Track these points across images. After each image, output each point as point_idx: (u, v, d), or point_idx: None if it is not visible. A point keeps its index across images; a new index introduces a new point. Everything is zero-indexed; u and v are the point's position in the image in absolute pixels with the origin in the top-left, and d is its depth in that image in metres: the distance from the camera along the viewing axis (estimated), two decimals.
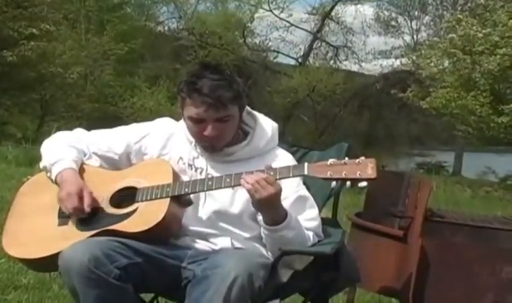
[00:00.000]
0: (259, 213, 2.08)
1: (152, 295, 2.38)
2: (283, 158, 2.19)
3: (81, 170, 2.19)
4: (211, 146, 2.13)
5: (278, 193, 1.97)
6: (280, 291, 2.09)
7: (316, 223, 2.14)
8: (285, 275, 2.09)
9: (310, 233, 2.11)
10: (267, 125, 2.22)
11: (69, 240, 1.97)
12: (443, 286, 2.77)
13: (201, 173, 2.14)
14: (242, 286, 1.84)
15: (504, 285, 2.75)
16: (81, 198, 2.06)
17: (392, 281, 2.87)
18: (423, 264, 2.74)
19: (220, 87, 2.04)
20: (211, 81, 2.04)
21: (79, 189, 2.08)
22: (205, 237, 2.10)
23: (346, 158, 1.95)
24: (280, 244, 2.01)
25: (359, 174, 1.90)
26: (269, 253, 2.10)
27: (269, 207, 1.99)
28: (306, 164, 1.98)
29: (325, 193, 2.31)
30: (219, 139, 2.10)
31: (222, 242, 2.09)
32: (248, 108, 2.21)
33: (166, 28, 25.14)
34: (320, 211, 2.30)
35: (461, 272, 2.79)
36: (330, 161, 1.94)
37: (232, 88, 2.07)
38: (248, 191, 1.95)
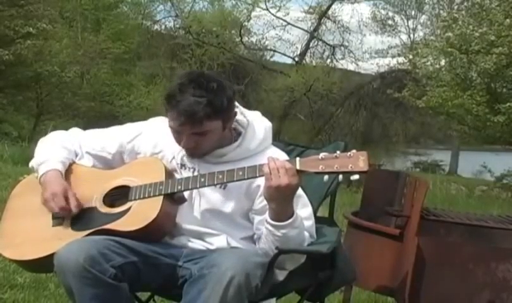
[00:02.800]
0: (252, 212, 2.09)
1: (148, 294, 2.38)
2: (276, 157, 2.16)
3: (73, 170, 2.19)
4: (190, 154, 2.14)
5: (295, 186, 1.94)
6: (276, 290, 2.10)
7: (310, 222, 2.14)
8: (281, 274, 2.09)
9: (307, 234, 2.10)
10: (260, 126, 2.20)
11: (63, 240, 1.97)
12: (439, 284, 2.78)
13: (193, 172, 2.14)
14: (239, 286, 1.84)
15: (499, 284, 2.76)
16: (66, 198, 2.07)
17: (388, 279, 2.88)
18: (419, 263, 2.75)
19: (197, 104, 2.00)
20: (190, 96, 2.01)
21: (64, 189, 2.08)
22: (200, 236, 2.10)
23: (338, 152, 1.94)
24: (280, 242, 2.00)
25: (351, 167, 1.90)
26: (260, 251, 2.07)
27: (280, 200, 1.96)
28: (297, 159, 1.98)
29: (321, 193, 2.31)
30: (196, 149, 2.10)
31: (218, 241, 2.09)
32: (241, 108, 2.20)
33: (163, 26, 25.05)
34: (316, 210, 2.31)
35: (457, 270, 2.80)
36: (322, 155, 1.94)
37: (213, 105, 2.02)
38: (266, 175, 1.93)
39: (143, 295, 2.37)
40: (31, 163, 2.21)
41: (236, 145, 2.15)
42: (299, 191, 2.13)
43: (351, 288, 3.06)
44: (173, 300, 2.15)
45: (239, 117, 2.19)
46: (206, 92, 2.02)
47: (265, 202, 2.06)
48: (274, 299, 2.20)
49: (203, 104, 2.01)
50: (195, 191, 2.10)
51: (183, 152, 2.17)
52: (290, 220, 1.99)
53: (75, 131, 2.32)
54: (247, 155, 2.15)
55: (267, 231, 2.04)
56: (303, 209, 2.12)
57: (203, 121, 2.02)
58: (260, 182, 2.06)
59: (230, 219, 2.10)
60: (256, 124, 2.20)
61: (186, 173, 2.14)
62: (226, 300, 1.84)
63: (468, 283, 2.78)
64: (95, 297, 1.88)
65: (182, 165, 2.17)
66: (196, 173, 2.12)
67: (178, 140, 2.11)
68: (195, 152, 2.12)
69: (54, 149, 2.20)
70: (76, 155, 2.24)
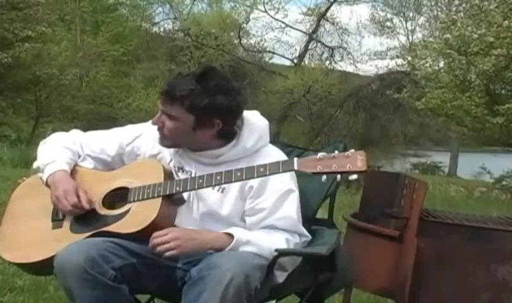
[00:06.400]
0: (245, 214, 2.09)
1: (148, 296, 2.38)
2: (273, 156, 2.13)
3: (74, 172, 2.20)
4: (160, 138, 2.14)
5: (191, 239, 1.97)
6: (276, 292, 2.10)
7: (289, 221, 2.08)
8: (281, 276, 2.09)
9: (282, 235, 2.05)
10: (256, 125, 2.18)
11: (63, 243, 1.97)
12: (438, 286, 2.78)
13: (190, 176, 2.13)
14: (238, 288, 1.84)
15: (499, 285, 2.76)
16: (78, 196, 2.08)
17: (388, 281, 2.88)
18: (418, 265, 2.74)
19: (180, 86, 2.03)
20: (186, 80, 2.05)
21: (74, 187, 2.10)
22: None
23: (336, 152, 1.93)
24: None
25: (349, 167, 1.88)
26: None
27: (198, 247, 1.98)
28: (295, 159, 1.97)
29: (321, 194, 2.30)
30: (162, 131, 2.11)
31: None
32: None
33: (161, 28, 25.08)
34: (316, 212, 2.31)
35: (457, 272, 2.80)
36: (320, 155, 1.93)
37: (192, 97, 2.02)
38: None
39: (143, 298, 2.37)
40: (36, 164, 2.23)
41: (232, 145, 2.13)
42: (292, 187, 2.11)
43: (350, 289, 3.06)
44: (173, 302, 2.15)
45: None
46: (197, 83, 2.04)
47: (254, 203, 2.07)
48: (274, 301, 2.20)
49: (184, 89, 2.03)
50: (192, 194, 2.10)
51: (182, 155, 2.17)
52: (231, 245, 1.97)
53: (76, 133, 2.33)
54: (244, 155, 2.13)
55: None
56: (284, 209, 2.08)
57: (175, 103, 2.04)
58: (253, 183, 2.06)
59: (227, 221, 2.10)
60: (251, 123, 2.17)
61: (183, 177, 2.14)
62: (225, 301, 1.83)
63: (467, 285, 2.78)
64: (95, 298, 1.88)
65: (180, 168, 2.17)
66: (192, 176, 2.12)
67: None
68: (161, 134, 2.12)
69: (59, 150, 2.22)
70: (79, 157, 2.26)
